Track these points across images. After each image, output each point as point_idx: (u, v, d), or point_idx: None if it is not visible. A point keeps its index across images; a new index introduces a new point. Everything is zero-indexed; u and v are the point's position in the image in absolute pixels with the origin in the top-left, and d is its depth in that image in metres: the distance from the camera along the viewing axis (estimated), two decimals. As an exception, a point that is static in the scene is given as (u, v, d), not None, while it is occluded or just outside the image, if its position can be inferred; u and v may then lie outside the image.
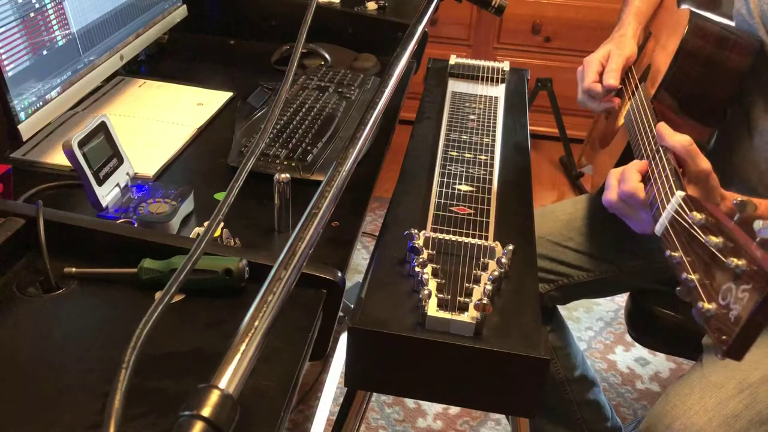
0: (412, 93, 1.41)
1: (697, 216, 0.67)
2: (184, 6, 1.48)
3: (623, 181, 0.90)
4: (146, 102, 1.27)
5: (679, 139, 0.88)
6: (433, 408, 1.81)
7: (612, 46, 1.21)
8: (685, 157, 0.88)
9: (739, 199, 0.65)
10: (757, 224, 0.60)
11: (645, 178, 0.90)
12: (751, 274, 0.57)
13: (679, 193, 0.75)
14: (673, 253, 0.70)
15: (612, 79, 1.16)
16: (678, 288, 0.67)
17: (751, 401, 0.98)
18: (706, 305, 0.61)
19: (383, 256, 0.84)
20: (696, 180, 0.88)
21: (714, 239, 0.63)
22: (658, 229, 0.78)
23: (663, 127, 0.91)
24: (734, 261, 0.59)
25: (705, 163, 0.88)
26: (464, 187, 0.98)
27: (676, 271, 0.68)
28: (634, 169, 0.90)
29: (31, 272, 0.78)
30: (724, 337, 0.59)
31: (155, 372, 0.65)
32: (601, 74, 1.20)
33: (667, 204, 0.77)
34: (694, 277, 0.65)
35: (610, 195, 0.91)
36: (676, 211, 0.74)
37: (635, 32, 1.25)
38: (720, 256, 0.61)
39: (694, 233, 0.67)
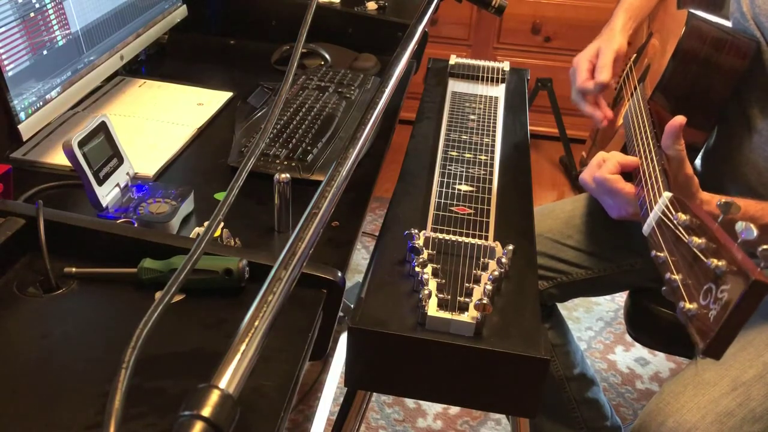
0: (412, 93, 1.41)
1: (682, 217, 0.69)
2: (184, 6, 1.48)
3: (601, 166, 0.96)
4: (146, 102, 1.27)
5: (676, 146, 0.92)
6: (433, 408, 1.81)
7: (600, 43, 1.22)
8: (673, 161, 0.91)
9: (723, 200, 0.66)
10: (739, 226, 0.60)
11: (632, 176, 0.94)
12: (731, 274, 0.58)
13: (666, 194, 0.76)
14: (658, 253, 0.71)
15: (603, 75, 1.16)
16: (663, 288, 0.68)
17: (745, 399, 0.98)
18: (688, 305, 0.62)
19: (383, 256, 0.84)
20: (677, 184, 0.91)
21: (697, 240, 0.64)
22: (646, 229, 0.79)
23: (675, 127, 0.91)
24: (715, 262, 0.60)
25: (689, 169, 0.93)
26: (464, 187, 0.98)
27: (661, 270, 0.69)
28: (616, 159, 0.95)
29: (31, 272, 0.78)
30: (704, 336, 0.60)
31: (155, 372, 0.65)
32: (591, 72, 1.20)
33: (655, 205, 0.78)
34: (677, 277, 0.66)
35: (586, 174, 0.99)
36: (663, 212, 0.75)
37: (624, 25, 1.24)
38: (702, 256, 0.62)
39: (679, 234, 0.68)
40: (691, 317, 0.62)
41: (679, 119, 0.90)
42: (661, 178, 0.84)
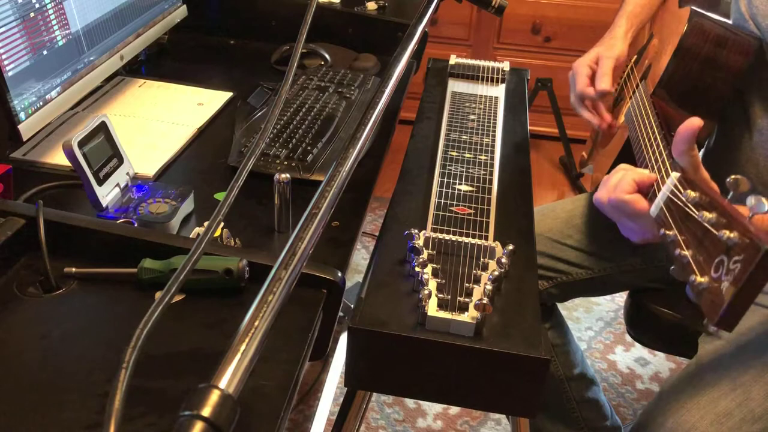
0: (412, 93, 1.41)
1: (692, 194, 0.68)
2: (184, 6, 1.48)
3: (617, 187, 0.87)
4: (146, 102, 1.27)
5: (690, 153, 0.85)
6: (433, 408, 1.81)
7: (601, 49, 1.22)
8: (688, 169, 0.85)
9: (733, 177, 0.66)
10: (750, 201, 0.60)
11: (644, 190, 0.86)
12: (743, 245, 0.58)
13: (674, 174, 0.76)
14: (667, 232, 0.71)
15: (604, 84, 1.16)
16: (672, 267, 0.67)
17: (744, 399, 0.98)
18: (699, 278, 0.62)
19: (383, 256, 0.84)
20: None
21: (707, 215, 0.63)
22: (654, 210, 0.78)
23: (690, 130, 0.83)
24: (726, 233, 0.59)
25: (705, 173, 0.87)
26: (464, 187, 0.98)
27: (670, 249, 0.69)
28: (631, 177, 0.87)
29: (31, 272, 0.78)
30: (716, 308, 0.59)
31: (155, 372, 0.65)
32: (591, 78, 1.20)
33: (663, 186, 0.77)
34: (687, 252, 0.65)
35: (602, 195, 0.90)
36: (672, 192, 0.74)
37: (626, 32, 1.25)
38: (713, 230, 0.62)
39: (688, 211, 0.68)
40: (702, 290, 0.62)
41: (696, 121, 0.82)
42: (668, 161, 0.82)
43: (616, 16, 1.29)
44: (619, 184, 0.86)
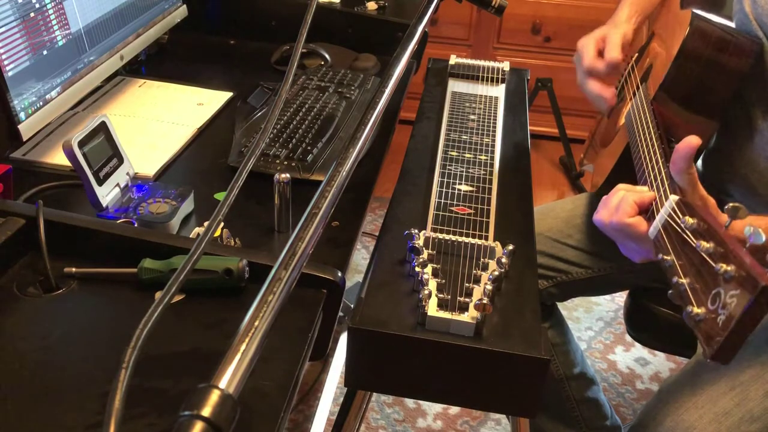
0: (412, 93, 1.41)
1: (690, 221, 0.68)
2: (184, 6, 1.48)
3: (619, 209, 0.85)
4: (146, 102, 1.27)
5: (689, 171, 0.83)
6: (433, 408, 1.81)
7: (606, 28, 1.19)
8: (686, 188, 0.84)
9: (731, 204, 0.65)
10: (748, 230, 0.60)
11: (644, 210, 0.85)
12: (740, 279, 0.58)
13: (673, 197, 0.76)
14: (665, 257, 0.71)
15: (614, 53, 1.12)
16: (670, 291, 0.67)
17: (742, 399, 0.98)
18: (696, 309, 0.62)
19: (383, 256, 0.84)
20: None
21: (705, 244, 0.63)
22: (652, 232, 0.78)
23: (689, 148, 0.81)
24: (723, 266, 0.59)
25: (702, 191, 0.85)
26: (464, 187, 0.98)
27: (668, 274, 0.69)
28: (632, 199, 0.85)
29: (31, 272, 0.78)
30: (712, 342, 0.59)
31: (155, 372, 0.65)
32: (599, 54, 1.16)
33: (661, 208, 0.77)
34: (684, 281, 0.65)
35: (603, 216, 0.88)
36: (669, 215, 0.74)
37: (629, 16, 1.22)
38: (710, 261, 0.62)
39: (686, 237, 0.68)
40: (699, 322, 0.62)
41: (694, 140, 0.79)
42: (667, 181, 0.82)
43: (618, 4, 1.27)
44: (620, 206, 0.85)
